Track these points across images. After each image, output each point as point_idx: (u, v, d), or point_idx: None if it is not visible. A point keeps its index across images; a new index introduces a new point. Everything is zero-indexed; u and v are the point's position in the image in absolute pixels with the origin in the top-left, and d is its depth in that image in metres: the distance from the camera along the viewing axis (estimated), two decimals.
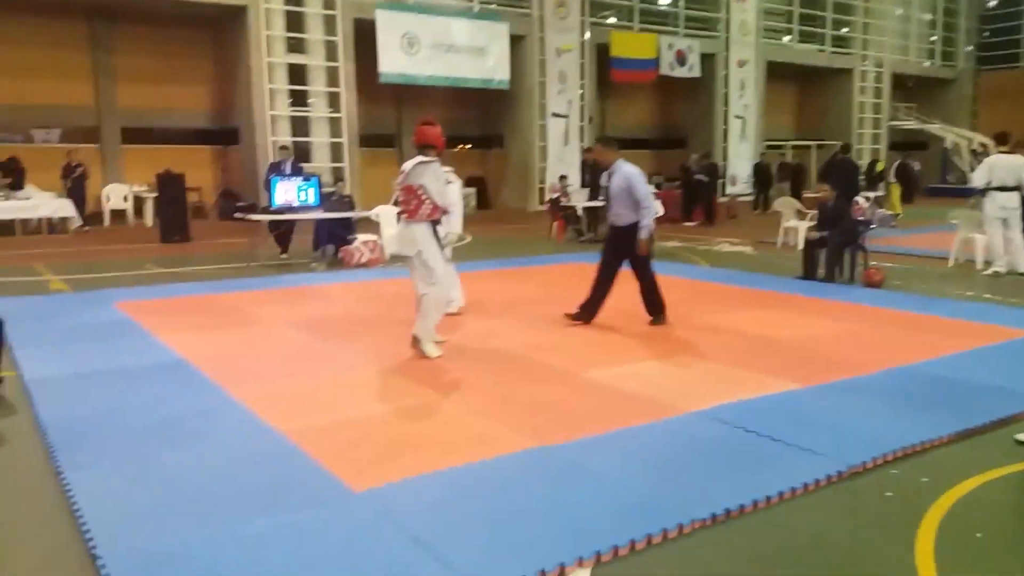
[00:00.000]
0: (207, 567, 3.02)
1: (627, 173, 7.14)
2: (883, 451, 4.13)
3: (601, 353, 6.38)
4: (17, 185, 15.86)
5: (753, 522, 3.45)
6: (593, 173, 16.83)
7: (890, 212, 18.11)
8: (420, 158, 6.17)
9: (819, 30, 28.82)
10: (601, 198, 15.05)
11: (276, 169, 12.39)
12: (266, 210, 11.66)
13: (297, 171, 12.57)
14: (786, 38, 28.63)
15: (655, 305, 7.39)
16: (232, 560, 3.07)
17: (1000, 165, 10.56)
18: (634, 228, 7.12)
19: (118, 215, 18.06)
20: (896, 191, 20.31)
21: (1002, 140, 10.99)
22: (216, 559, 3.08)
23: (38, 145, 18.65)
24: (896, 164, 22.19)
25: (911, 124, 31.17)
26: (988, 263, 10.71)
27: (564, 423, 4.63)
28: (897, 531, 3.36)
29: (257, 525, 3.35)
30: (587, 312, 7.36)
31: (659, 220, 8.36)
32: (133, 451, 4.22)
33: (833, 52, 29.14)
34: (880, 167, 21.76)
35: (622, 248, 7.27)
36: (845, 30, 29.66)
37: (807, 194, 19.69)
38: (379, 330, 7.19)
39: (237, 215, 12.54)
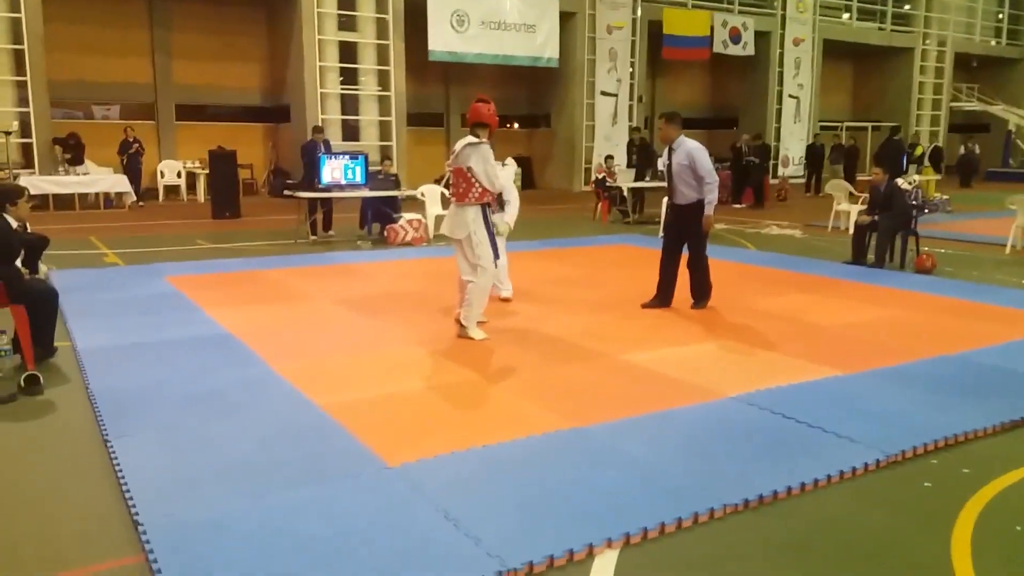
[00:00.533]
0: (244, 535, 3.11)
1: (690, 148, 7.03)
2: (924, 440, 4.06)
3: (642, 336, 6.35)
4: (77, 160, 16.28)
5: (786, 509, 3.43)
6: (640, 154, 16.71)
7: (944, 197, 17.59)
8: (469, 139, 6.04)
9: (879, 7, 28.01)
10: (647, 178, 15.12)
11: (312, 150, 12.39)
12: (314, 187, 11.77)
13: (328, 150, 12.59)
14: (844, 16, 27.89)
15: (701, 289, 7.31)
16: (268, 529, 3.15)
17: None
18: (696, 207, 7.07)
19: (172, 191, 18.46)
20: (930, 175, 19.65)
21: None
22: (253, 528, 3.17)
23: (97, 121, 19.10)
24: (931, 147, 21.57)
25: (973, 105, 30.18)
26: None
27: (600, 405, 4.63)
28: (934, 522, 3.31)
29: (294, 496, 3.43)
30: (661, 298, 7.33)
31: None
32: (177, 421, 4.35)
33: (893, 30, 28.31)
34: (919, 151, 21.15)
35: (684, 227, 7.22)
36: (907, 7, 28.78)
37: (861, 177, 19.19)
38: (421, 308, 7.26)
39: (287, 192, 12.70)
